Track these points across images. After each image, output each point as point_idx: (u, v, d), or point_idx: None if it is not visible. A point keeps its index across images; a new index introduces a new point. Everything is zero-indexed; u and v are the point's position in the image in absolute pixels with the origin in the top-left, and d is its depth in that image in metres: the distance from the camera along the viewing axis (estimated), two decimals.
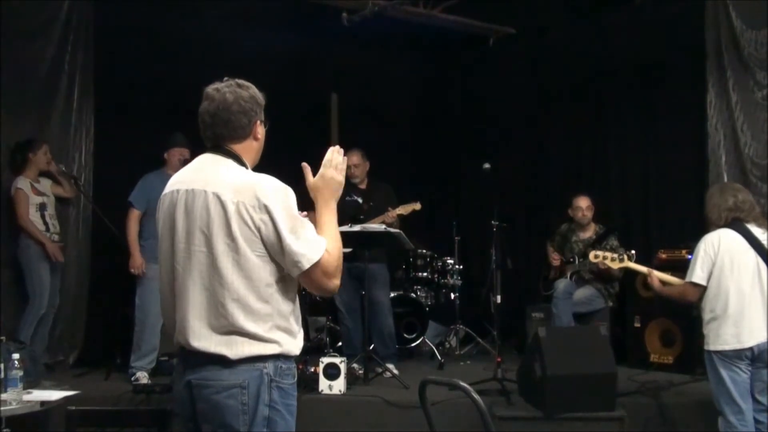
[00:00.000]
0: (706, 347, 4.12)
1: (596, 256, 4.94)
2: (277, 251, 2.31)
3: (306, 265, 2.30)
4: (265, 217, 2.29)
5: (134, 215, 5.57)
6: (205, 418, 2.34)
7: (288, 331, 2.38)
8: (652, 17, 6.68)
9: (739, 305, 4.01)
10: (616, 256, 4.81)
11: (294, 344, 2.40)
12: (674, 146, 6.63)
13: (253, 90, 2.49)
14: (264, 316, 2.32)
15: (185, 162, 5.49)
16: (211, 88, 2.45)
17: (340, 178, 2.48)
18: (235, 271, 2.30)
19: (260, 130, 2.50)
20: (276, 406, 2.33)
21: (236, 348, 2.30)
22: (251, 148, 2.49)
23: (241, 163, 2.45)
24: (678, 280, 4.42)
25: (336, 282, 2.39)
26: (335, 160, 2.48)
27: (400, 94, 8.31)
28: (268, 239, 2.30)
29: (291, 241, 2.29)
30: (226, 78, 2.48)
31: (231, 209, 2.29)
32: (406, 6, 6.67)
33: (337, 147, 2.51)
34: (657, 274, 4.47)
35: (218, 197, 2.32)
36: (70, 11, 6.06)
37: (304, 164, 2.53)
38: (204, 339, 2.32)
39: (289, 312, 2.39)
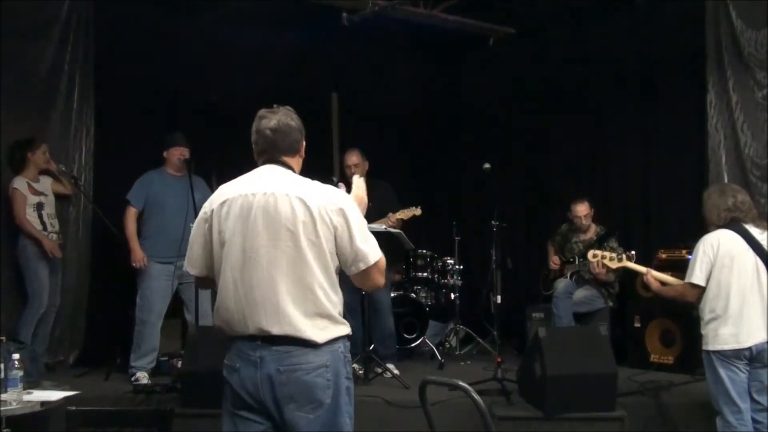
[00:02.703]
0: (704, 347, 4.12)
1: (594, 255, 4.93)
2: (346, 249, 2.70)
3: (371, 262, 2.73)
4: (341, 220, 2.69)
5: (131, 213, 5.59)
6: (291, 399, 2.64)
7: (345, 316, 2.79)
8: (652, 17, 6.68)
9: (738, 305, 4.01)
10: (614, 255, 4.81)
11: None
12: (674, 146, 6.62)
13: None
14: (336, 302, 2.73)
15: (185, 161, 5.57)
16: (265, 110, 2.84)
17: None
18: (317, 262, 2.66)
19: (303, 150, 2.91)
20: (350, 376, 2.77)
21: (322, 332, 2.65)
22: (298, 163, 2.89)
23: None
24: (676, 279, 4.43)
25: (384, 279, 2.86)
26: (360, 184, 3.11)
27: (400, 94, 8.30)
28: (341, 238, 2.69)
29: (360, 241, 2.71)
30: (275, 105, 2.87)
31: (316, 211, 2.66)
32: (406, 6, 6.67)
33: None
34: (655, 274, 4.47)
35: (302, 200, 2.67)
36: (70, 11, 6.06)
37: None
38: (296, 323, 2.63)
39: (342, 300, 2.79)
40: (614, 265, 4.80)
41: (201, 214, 2.84)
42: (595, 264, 5.23)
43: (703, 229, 4.26)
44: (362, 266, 2.72)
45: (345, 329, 2.74)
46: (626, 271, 4.97)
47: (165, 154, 5.69)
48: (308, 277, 2.65)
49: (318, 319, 2.66)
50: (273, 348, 2.64)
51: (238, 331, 2.69)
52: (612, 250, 5.62)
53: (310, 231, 2.65)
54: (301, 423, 2.63)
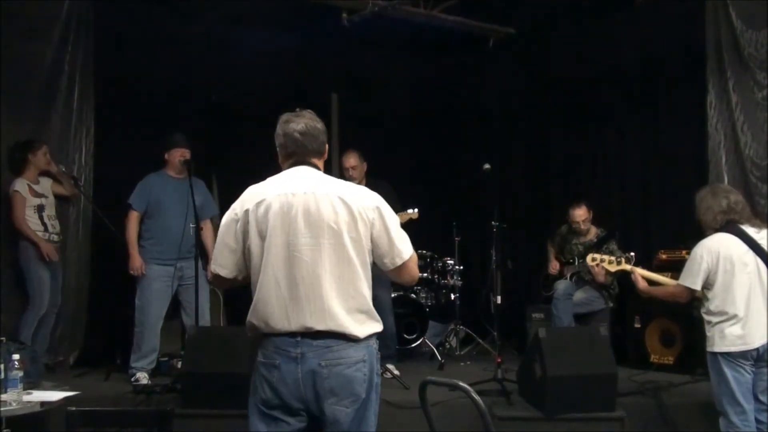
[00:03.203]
0: (709, 349, 4.10)
1: (593, 260, 4.93)
2: (384, 245, 2.80)
3: (406, 257, 2.83)
4: (378, 217, 2.79)
5: (133, 216, 5.57)
6: (332, 393, 2.69)
7: None
8: (652, 17, 6.68)
9: (744, 307, 4.01)
10: (613, 259, 4.79)
11: None
12: (674, 146, 6.62)
13: None
14: (371, 298, 2.80)
15: (185, 162, 5.56)
16: (289, 114, 2.91)
17: None
18: (358, 259, 2.75)
19: (327, 153, 3.00)
20: (379, 373, 2.84)
21: (362, 327, 2.73)
22: (322, 165, 2.96)
23: None
24: (664, 278, 4.42)
25: (417, 272, 2.98)
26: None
27: (399, 95, 8.31)
28: (378, 234, 2.79)
29: (397, 237, 2.82)
30: (297, 108, 2.94)
31: (355, 209, 2.76)
32: (406, 6, 6.67)
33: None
34: (641, 272, 4.46)
35: (342, 199, 2.76)
36: (70, 11, 6.05)
37: None
38: (340, 318, 2.69)
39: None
40: (613, 268, 4.79)
41: (230, 215, 2.81)
42: (594, 268, 5.24)
43: (703, 230, 4.25)
44: (398, 261, 2.82)
45: (379, 326, 2.81)
46: (624, 273, 4.97)
47: (166, 155, 5.67)
48: (350, 274, 2.73)
49: (358, 314, 2.73)
50: (314, 343, 2.68)
51: (278, 327, 2.70)
52: (611, 252, 5.62)
53: (352, 229, 2.74)
54: (340, 416, 2.69)
